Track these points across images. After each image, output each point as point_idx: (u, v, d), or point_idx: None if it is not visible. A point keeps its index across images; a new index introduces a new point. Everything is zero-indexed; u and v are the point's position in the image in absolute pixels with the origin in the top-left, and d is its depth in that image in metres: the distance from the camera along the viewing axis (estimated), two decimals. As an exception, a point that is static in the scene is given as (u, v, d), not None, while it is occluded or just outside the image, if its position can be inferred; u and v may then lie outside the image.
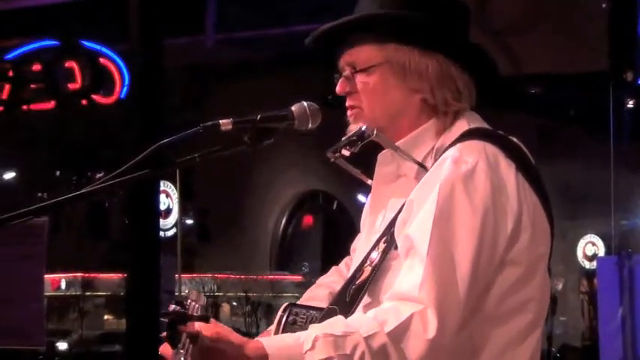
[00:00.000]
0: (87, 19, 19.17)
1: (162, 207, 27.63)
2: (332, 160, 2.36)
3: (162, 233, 24.23)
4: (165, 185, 28.47)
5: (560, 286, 28.30)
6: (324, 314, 2.23)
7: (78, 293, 31.66)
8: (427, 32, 2.27)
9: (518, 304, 2.17)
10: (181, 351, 1.97)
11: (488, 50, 2.34)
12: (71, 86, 18.80)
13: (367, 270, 2.20)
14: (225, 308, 35.17)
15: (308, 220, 36.66)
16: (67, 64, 18.69)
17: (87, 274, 31.36)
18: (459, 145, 2.19)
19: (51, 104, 19.39)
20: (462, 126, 2.28)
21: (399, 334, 2.00)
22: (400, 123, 2.30)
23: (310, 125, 2.32)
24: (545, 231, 2.23)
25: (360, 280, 2.20)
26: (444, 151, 2.22)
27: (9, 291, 6.52)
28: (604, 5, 8.40)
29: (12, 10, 16.93)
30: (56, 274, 29.57)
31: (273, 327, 2.35)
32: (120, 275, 25.69)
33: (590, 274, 30.30)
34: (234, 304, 34.52)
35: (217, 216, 33.08)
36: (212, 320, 2.00)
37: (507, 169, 2.17)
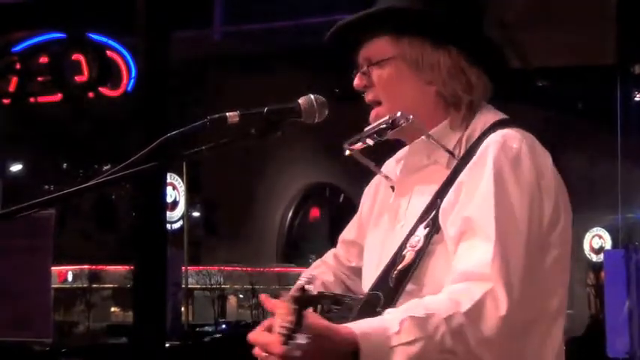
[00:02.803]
0: (94, 11, 19.15)
1: (169, 200, 27.68)
2: (347, 152, 2.37)
3: (169, 226, 24.28)
4: (172, 178, 28.51)
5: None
6: (366, 301, 2.25)
7: (85, 285, 31.74)
8: (441, 28, 2.32)
9: (553, 285, 2.26)
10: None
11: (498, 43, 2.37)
12: (78, 79, 18.79)
13: (410, 255, 2.24)
14: (232, 301, 35.24)
15: (314, 212, 36.71)
16: (73, 57, 18.67)
17: (94, 267, 31.42)
18: (499, 132, 2.27)
19: (58, 97, 19.40)
20: (489, 116, 2.35)
21: (474, 313, 2.07)
22: (418, 115, 2.33)
23: (317, 118, 2.33)
24: (571, 218, 2.32)
25: (402, 265, 2.24)
26: (478, 139, 2.29)
27: (16, 283, 6.53)
28: (612, -1, 8.40)
29: (19, 2, 16.94)
30: (63, 266, 29.64)
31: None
32: (127, 267, 25.73)
33: (596, 267, 30.34)
34: (241, 296, 34.60)
35: (224, 209, 33.12)
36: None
37: (544, 156, 2.28)
